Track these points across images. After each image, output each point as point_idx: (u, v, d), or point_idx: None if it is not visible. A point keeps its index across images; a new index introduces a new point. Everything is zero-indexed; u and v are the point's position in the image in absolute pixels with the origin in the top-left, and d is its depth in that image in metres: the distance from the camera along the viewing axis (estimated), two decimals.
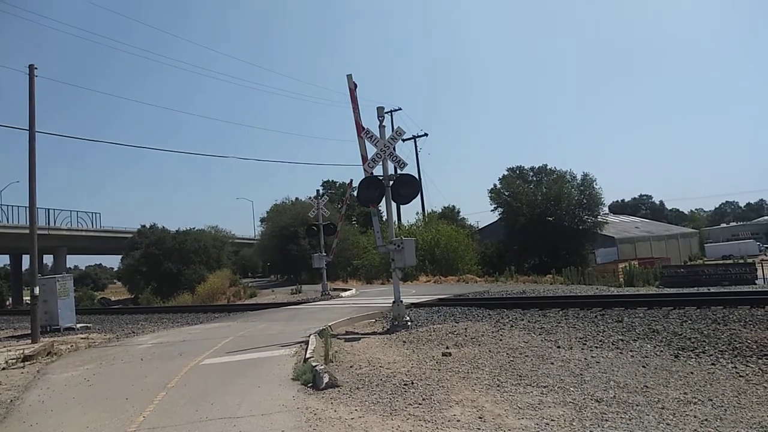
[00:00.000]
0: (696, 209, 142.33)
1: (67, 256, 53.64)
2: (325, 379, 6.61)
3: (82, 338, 15.07)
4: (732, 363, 7.29)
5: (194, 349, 10.53)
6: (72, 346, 13.17)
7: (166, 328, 16.60)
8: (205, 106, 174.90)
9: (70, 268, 63.78)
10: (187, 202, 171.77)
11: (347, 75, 12.22)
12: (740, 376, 6.66)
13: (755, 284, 21.09)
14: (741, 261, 28.74)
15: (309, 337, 10.12)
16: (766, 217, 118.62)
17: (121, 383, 7.84)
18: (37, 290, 15.90)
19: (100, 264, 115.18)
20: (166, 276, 41.52)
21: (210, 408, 5.99)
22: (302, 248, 40.09)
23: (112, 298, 60.38)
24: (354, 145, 14.15)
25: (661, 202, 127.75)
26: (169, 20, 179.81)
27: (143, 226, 48.59)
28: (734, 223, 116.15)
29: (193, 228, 48.15)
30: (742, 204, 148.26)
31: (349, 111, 12.27)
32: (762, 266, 25.46)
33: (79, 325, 18.80)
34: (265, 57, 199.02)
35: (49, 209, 47.30)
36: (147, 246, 43.96)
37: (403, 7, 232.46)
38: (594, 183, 45.01)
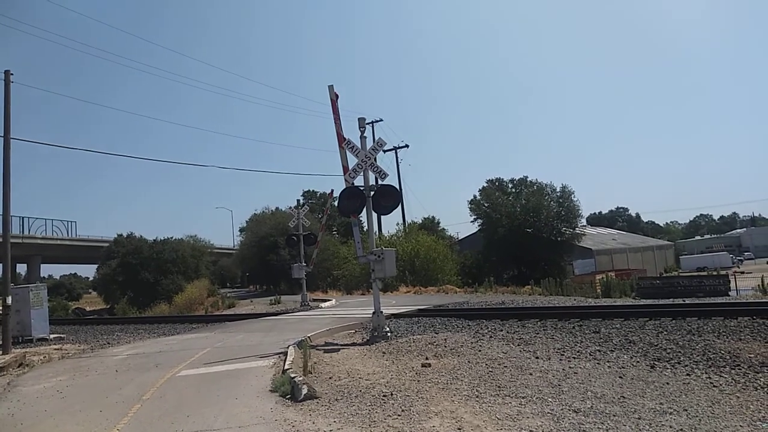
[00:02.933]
0: (671, 222, 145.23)
1: (42, 265, 52.71)
2: (304, 391, 6.55)
3: (55, 349, 14.76)
4: (706, 373, 7.41)
5: (171, 360, 10.38)
6: (45, 357, 12.90)
7: (143, 338, 16.34)
8: (181, 113, 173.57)
9: (44, 277, 62.57)
10: (165, 211, 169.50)
11: (329, 86, 12.26)
12: (714, 386, 6.77)
13: (728, 296, 21.43)
14: (715, 273, 29.21)
15: (288, 348, 10.05)
16: (738, 230, 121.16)
17: (96, 395, 7.68)
18: (9, 300, 15.52)
19: (75, 273, 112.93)
20: (143, 286, 40.95)
21: (186, 420, 5.91)
22: (282, 258, 39.87)
23: (87, 308, 59.10)
24: (334, 156, 14.17)
25: (637, 214, 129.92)
26: (143, 26, 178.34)
27: (120, 235, 47.89)
28: (708, 236, 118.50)
29: (171, 237, 47.68)
30: (716, 217, 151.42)
31: (330, 121, 12.30)
32: (735, 278, 25.94)
33: (52, 336, 18.42)
34: (241, 64, 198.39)
35: (23, 217, 46.61)
36: (124, 255, 43.33)
37: (383, 18, 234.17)
38: (572, 195, 45.66)
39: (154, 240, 46.13)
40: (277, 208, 51.12)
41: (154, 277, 41.56)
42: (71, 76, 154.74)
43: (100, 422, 6.10)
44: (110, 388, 8.13)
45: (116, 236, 48.30)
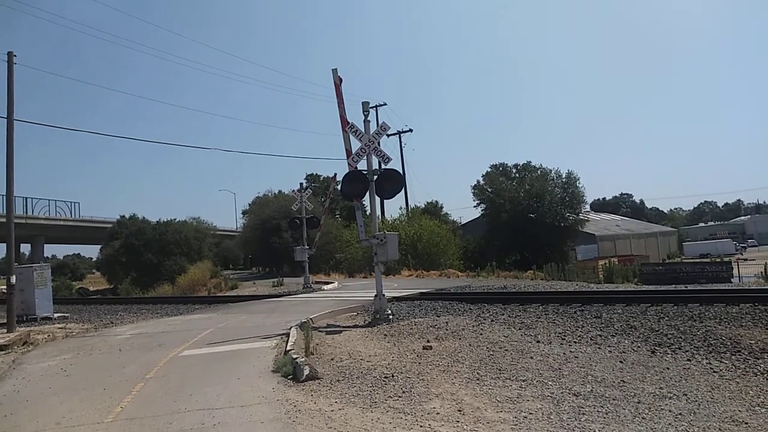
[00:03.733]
0: (675, 208, 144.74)
1: (45, 245, 52.87)
2: (306, 371, 6.60)
3: (59, 328, 14.87)
4: (706, 359, 7.43)
5: (174, 340, 10.45)
6: (49, 335, 12.99)
7: (146, 318, 16.45)
8: (184, 95, 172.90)
9: (47, 257, 62.77)
10: (168, 194, 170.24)
11: (333, 69, 12.16)
12: (714, 371, 6.79)
13: (731, 282, 21.45)
14: (718, 260, 29.16)
15: (290, 329, 10.09)
16: (742, 218, 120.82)
17: (99, 373, 7.76)
18: (13, 279, 15.62)
19: (79, 254, 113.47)
20: (146, 267, 41.14)
21: (189, 399, 5.96)
22: (285, 241, 39.92)
23: (91, 288, 59.52)
24: (337, 139, 14.12)
25: (641, 200, 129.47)
26: (146, 8, 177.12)
27: (123, 216, 48.06)
28: (712, 223, 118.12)
29: (175, 219, 47.77)
30: (720, 204, 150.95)
31: (333, 105, 12.23)
32: (738, 265, 25.92)
33: (56, 315, 18.54)
34: (242, 48, 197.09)
35: (27, 198, 46.60)
36: (127, 236, 43.50)
37: (386, 2, 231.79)
38: (577, 181, 45.42)
39: (157, 221, 46.26)
40: (280, 191, 51.11)
41: (157, 258, 41.74)
42: (73, 58, 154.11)
43: (104, 400, 6.16)
44: (114, 366, 8.20)
45: (119, 217, 48.45)
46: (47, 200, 48.77)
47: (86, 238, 57.29)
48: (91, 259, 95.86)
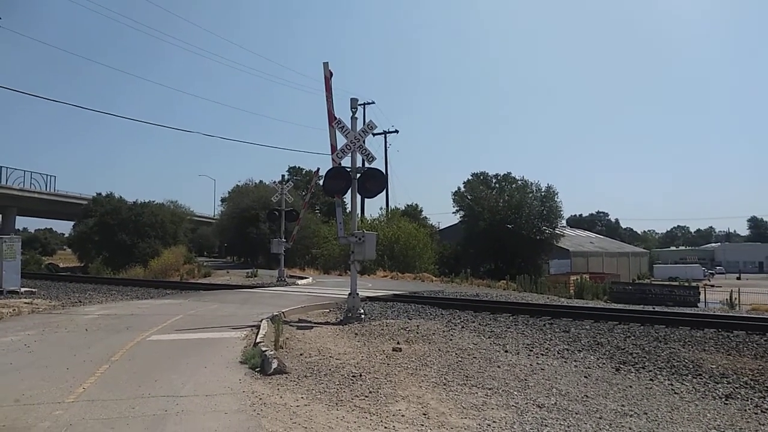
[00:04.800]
0: (648, 230, 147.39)
1: (17, 217, 51.74)
2: (274, 365, 6.58)
3: (25, 303, 14.57)
4: (669, 380, 7.58)
5: (142, 323, 10.33)
6: (14, 310, 12.75)
7: (115, 300, 16.23)
8: (168, 74, 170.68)
9: (18, 229, 61.49)
10: (147, 174, 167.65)
11: (324, 63, 12.15)
12: (675, 393, 6.93)
13: (697, 307, 21.87)
14: (686, 284, 29.75)
15: (261, 321, 10.05)
16: (713, 244, 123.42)
17: (63, 352, 7.63)
18: None
19: (51, 228, 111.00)
20: (119, 247, 40.48)
21: (153, 385, 5.90)
22: (262, 232, 39.68)
23: (61, 265, 58.39)
24: (321, 133, 14.03)
25: (616, 220, 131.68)
26: None
27: (99, 194, 47.19)
28: (683, 247, 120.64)
29: (152, 201, 47.08)
30: (692, 229, 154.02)
31: (320, 98, 12.22)
32: (705, 291, 26.42)
33: (23, 289, 18.16)
34: (230, 31, 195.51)
35: (1, 167, 45.52)
36: (102, 215, 42.72)
37: (377, 5, 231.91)
38: (556, 196, 45.95)
39: (133, 202, 45.54)
40: (260, 182, 50.76)
41: (131, 240, 41.09)
42: (68, 31, 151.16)
43: (67, 380, 6.07)
44: (79, 346, 8.08)
45: (95, 195, 47.60)
46: (22, 171, 47.69)
47: (60, 213, 56.19)
48: (63, 235, 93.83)
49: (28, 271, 29.85)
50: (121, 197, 46.19)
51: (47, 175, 50.57)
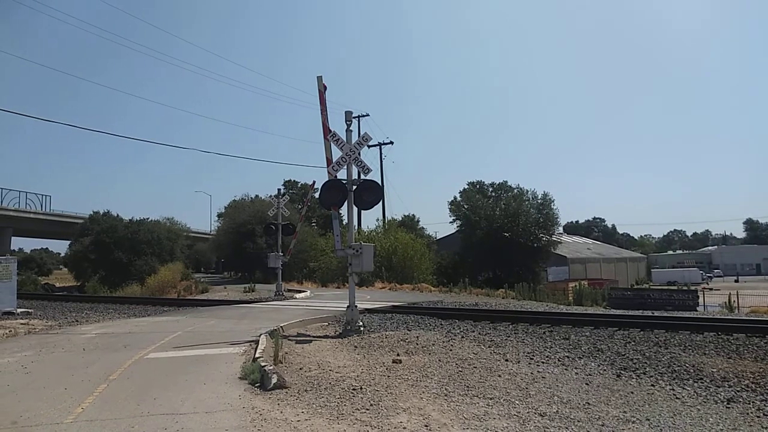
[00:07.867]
0: (645, 235, 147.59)
1: (13, 237, 51.55)
2: (273, 380, 6.54)
3: (21, 324, 14.48)
4: (670, 385, 7.55)
5: (140, 341, 10.27)
6: (10, 331, 12.66)
7: (112, 318, 16.13)
8: (163, 92, 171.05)
9: (14, 250, 61.26)
10: (142, 192, 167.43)
11: (318, 77, 12.19)
12: (677, 398, 6.91)
13: (696, 311, 21.88)
14: (684, 288, 29.76)
15: (259, 336, 10.00)
16: (710, 248, 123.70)
17: (61, 372, 7.57)
18: None
19: (47, 248, 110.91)
20: (116, 265, 40.36)
21: (152, 403, 5.85)
22: (258, 246, 39.62)
23: (57, 284, 58.09)
24: (316, 147, 14.06)
25: (613, 225, 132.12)
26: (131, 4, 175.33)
27: (95, 212, 47.11)
28: (681, 251, 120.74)
29: (148, 218, 47.04)
30: (689, 233, 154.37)
31: (315, 111, 12.25)
32: (704, 294, 26.45)
33: (19, 310, 18.06)
34: (225, 48, 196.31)
35: None
36: (98, 233, 42.63)
37: (373, 17, 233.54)
38: (552, 203, 46.07)
39: (129, 220, 45.48)
40: (257, 196, 50.86)
41: (127, 257, 40.98)
42: (55, 49, 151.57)
43: (65, 400, 6.02)
44: (77, 366, 8.01)
45: (91, 213, 47.50)
46: (18, 191, 47.70)
47: (56, 233, 56.01)
48: (60, 254, 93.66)
49: (25, 292, 29.72)
50: (117, 215, 46.18)
51: (42, 195, 50.67)
